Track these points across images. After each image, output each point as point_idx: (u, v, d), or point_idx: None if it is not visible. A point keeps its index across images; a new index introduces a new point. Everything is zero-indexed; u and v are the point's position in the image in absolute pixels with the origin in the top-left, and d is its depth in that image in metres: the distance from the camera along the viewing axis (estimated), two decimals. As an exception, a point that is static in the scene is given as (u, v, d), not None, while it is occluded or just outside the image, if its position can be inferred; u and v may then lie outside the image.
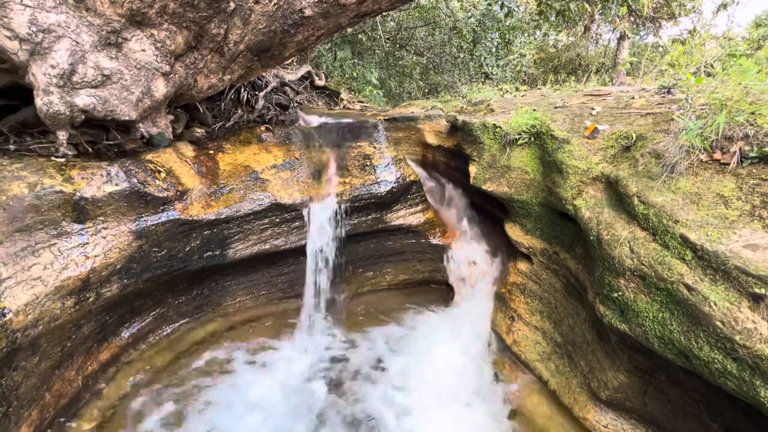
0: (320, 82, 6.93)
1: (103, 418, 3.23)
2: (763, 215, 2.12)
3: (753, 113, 2.42)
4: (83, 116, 2.97)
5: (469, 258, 4.90)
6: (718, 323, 1.98)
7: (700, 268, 2.14)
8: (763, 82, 2.60)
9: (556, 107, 4.34)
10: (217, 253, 3.89)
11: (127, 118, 3.15)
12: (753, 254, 1.96)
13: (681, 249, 2.27)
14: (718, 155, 2.51)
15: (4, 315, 2.39)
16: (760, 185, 2.24)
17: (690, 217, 2.32)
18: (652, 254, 2.40)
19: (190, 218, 3.60)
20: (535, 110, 4.25)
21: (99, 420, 3.20)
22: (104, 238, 3.08)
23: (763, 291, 1.86)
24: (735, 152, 2.41)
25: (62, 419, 3.06)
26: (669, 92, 4.13)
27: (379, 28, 9.65)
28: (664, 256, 2.33)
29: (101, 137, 3.37)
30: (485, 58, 10.67)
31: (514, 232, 4.15)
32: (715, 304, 2.01)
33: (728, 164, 2.42)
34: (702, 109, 2.74)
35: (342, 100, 7.23)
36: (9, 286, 2.48)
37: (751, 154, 2.36)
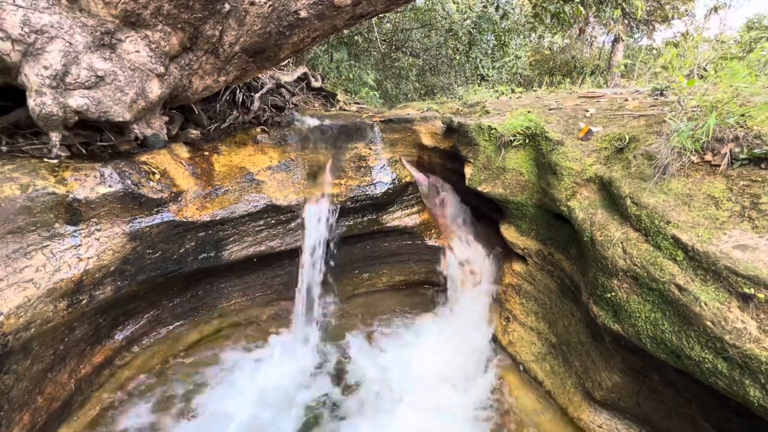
0: (316, 84, 6.91)
1: (96, 422, 3.20)
2: (753, 216, 2.14)
3: (743, 115, 2.45)
4: (76, 117, 2.96)
5: (464, 259, 4.92)
6: (709, 323, 2.00)
7: (691, 269, 2.16)
8: (753, 85, 2.63)
9: (550, 109, 4.36)
10: (212, 254, 3.88)
11: (121, 119, 3.13)
12: (743, 254, 1.98)
13: (673, 250, 2.29)
14: (708, 157, 2.53)
15: (-5, 317, 2.37)
16: (750, 186, 2.26)
17: (681, 218, 2.34)
18: (645, 255, 2.41)
19: (185, 220, 3.59)
20: (530, 112, 4.27)
21: (92, 423, 3.18)
22: (98, 240, 3.06)
23: (752, 291, 1.88)
24: (725, 154, 2.44)
25: (54, 423, 3.03)
26: (662, 94, 4.17)
27: (375, 29, 9.67)
28: (656, 256, 2.35)
29: (95, 138, 3.35)
30: (481, 59, 10.74)
31: (509, 233, 4.16)
32: (706, 304, 2.03)
33: (719, 166, 2.45)
34: (693, 111, 2.77)
35: (338, 101, 7.23)
36: (0, 288, 2.46)
37: (741, 156, 2.39)
